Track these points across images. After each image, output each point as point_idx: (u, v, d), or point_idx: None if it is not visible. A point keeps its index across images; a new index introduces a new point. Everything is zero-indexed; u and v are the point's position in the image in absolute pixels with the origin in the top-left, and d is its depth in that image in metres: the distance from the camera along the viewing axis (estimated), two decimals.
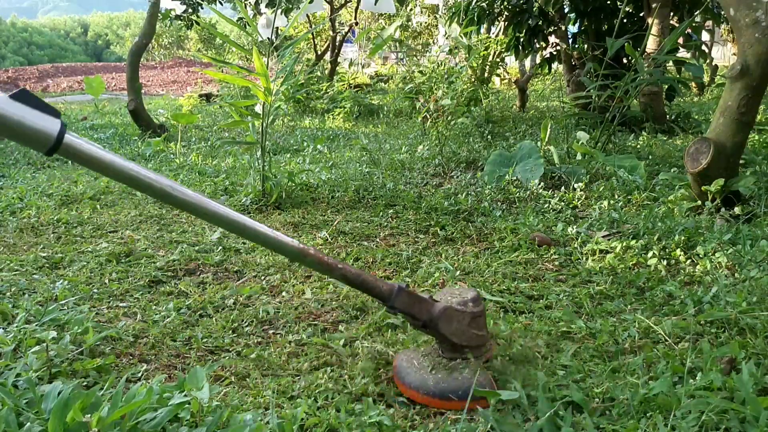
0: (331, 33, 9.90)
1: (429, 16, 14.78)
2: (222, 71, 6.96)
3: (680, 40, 4.81)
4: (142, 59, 6.17)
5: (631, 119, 5.06)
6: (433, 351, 1.38)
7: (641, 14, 5.42)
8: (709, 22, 7.77)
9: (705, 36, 9.42)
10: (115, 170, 1.06)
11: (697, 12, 5.01)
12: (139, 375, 1.41)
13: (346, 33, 10.79)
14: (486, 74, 6.93)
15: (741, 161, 2.70)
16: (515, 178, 3.34)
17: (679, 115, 5.48)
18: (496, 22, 6.82)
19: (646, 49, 4.57)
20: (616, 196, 2.97)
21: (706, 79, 9.17)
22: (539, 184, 3.19)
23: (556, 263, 2.17)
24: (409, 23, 13.63)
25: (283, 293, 1.91)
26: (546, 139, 3.87)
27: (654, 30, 4.56)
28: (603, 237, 2.37)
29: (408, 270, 2.11)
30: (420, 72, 6.24)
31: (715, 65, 10.13)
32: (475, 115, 5.22)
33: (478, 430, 1.16)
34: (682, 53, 7.17)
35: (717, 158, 2.50)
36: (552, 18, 5.96)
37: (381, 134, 5.84)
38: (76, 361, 1.40)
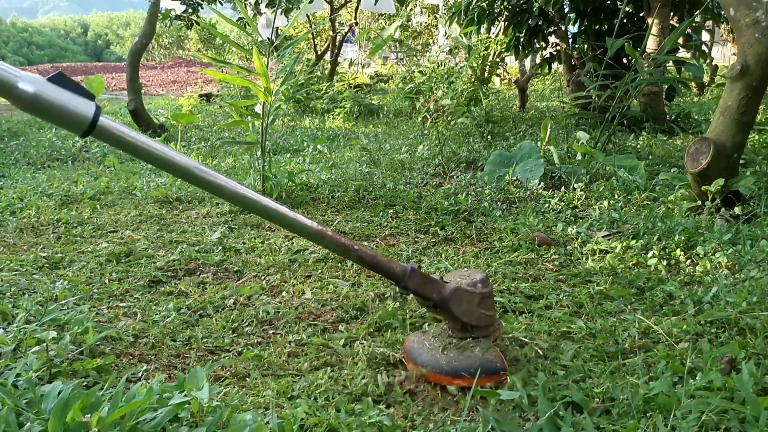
0: (331, 33, 9.90)
1: (429, 16, 14.78)
2: (222, 71, 6.96)
3: (680, 40, 4.81)
4: (142, 59, 6.18)
5: (631, 119, 5.06)
6: (442, 332, 1.42)
7: (641, 14, 5.42)
8: (709, 22, 7.77)
9: (705, 36, 9.42)
10: (145, 152, 1.09)
11: (697, 12, 5.01)
12: (139, 375, 1.41)
13: (346, 33, 10.79)
14: (486, 74, 6.94)
15: (741, 161, 2.71)
16: (515, 178, 3.34)
17: (679, 115, 5.48)
18: (496, 22, 6.82)
19: (646, 49, 4.57)
20: (616, 196, 2.97)
21: (706, 79, 9.18)
22: (539, 184, 3.19)
23: (556, 263, 2.17)
24: (409, 23, 13.63)
25: (283, 293, 1.91)
26: (546, 139, 3.87)
27: (654, 30, 4.56)
28: (603, 237, 2.37)
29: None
30: (420, 72, 6.24)
31: (715, 65, 10.13)
32: (475, 115, 5.22)
33: (478, 430, 1.16)
34: (682, 53, 7.17)
35: (717, 158, 2.50)
36: (552, 18, 5.96)
37: (381, 134, 5.85)
38: (76, 361, 1.40)
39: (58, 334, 1.51)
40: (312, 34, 10.77)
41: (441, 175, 3.71)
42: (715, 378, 1.25)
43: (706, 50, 6.64)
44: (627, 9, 5.33)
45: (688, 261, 2.12)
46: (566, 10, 6.06)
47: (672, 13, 5.25)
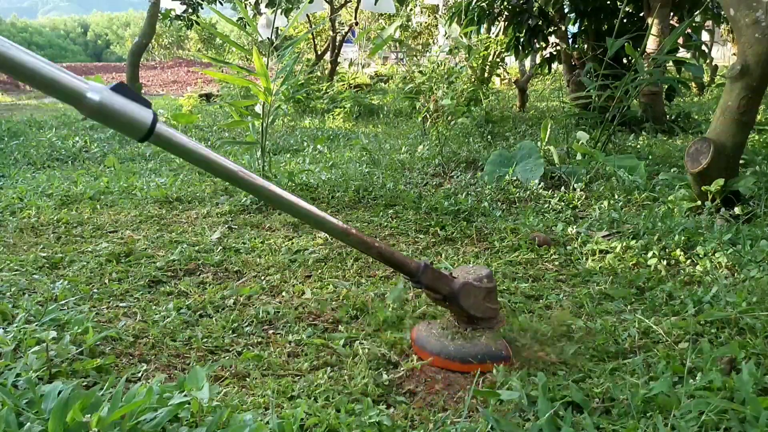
0: (331, 33, 9.90)
1: (429, 16, 14.77)
2: (222, 71, 6.95)
3: (680, 40, 4.81)
4: (142, 59, 6.18)
5: (631, 119, 5.06)
6: (449, 323, 1.53)
7: (641, 14, 5.42)
8: (709, 22, 7.77)
9: (705, 36, 9.42)
10: (196, 156, 1.18)
11: (697, 12, 5.01)
12: (139, 375, 1.41)
13: (346, 33, 10.79)
14: (486, 74, 6.94)
15: (741, 161, 2.70)
16: (515, 178, 3.34)
17: (679, 115, 5.48)
18: (496, 22, 6.82)
19: (646, 49, 4.57)
20: (616, 196, 2.97)
21: (706, 79, 9.18)
22: (539, 184, 3.19)
23: (556, 263, 2.17)
24: (409, 23, 13.63)
25: (283, 293, 1.91)
26: (546, 139, 3.87)
27: (654, 30, 4.56)
28: (603, 237, 2.37)
29: None
30: (420, 72, 6.24)
31: (715, 65, 10.13)
32: (475, 115, 5.21)
33: (478, 430, 1.16)
34: (682, 53, 7.17)
35: (717, 158, 2.50)
36: (552, 18, 5.96)
37: (381, 134, 5.85)
38: (76, 361, 1.40)
39: (58, 334, 1.51)
40: (312, 34, 10.77)
41: (441, 175, 3.71)
42: (715, 378, 1.25)
43: (706, 50, 6.64)
44: (627, 9, 5.33)
45: (688, 261, 2.12)
46: (566, 10, 6.06)
47: (672, 13, 5.25)
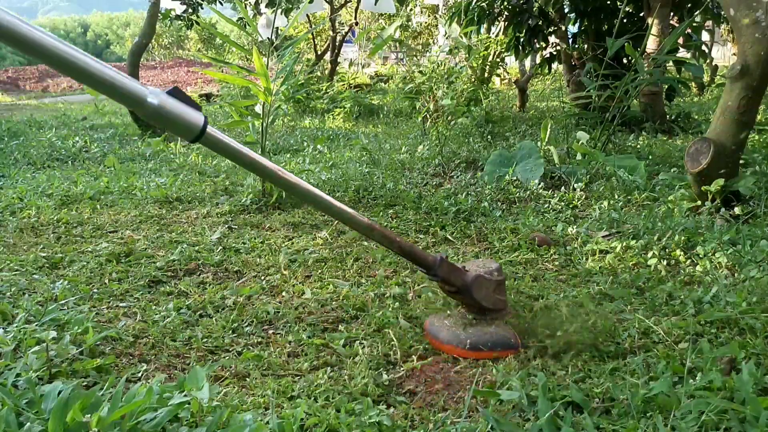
0: (331, 33, 9.90)
1: (429, 16, 14.77)
2: (222, 71, 6.95)
3: (680, 40, 4.81)
4: (142, 59, 6.17)
5: (631, 119, 5.05)
6: (460, 314, 1.61)
7: (641, 14, 5.42)
8: (709, 22, 7.77)
9: (705, 36, 9.41)
10: (242, 157, 1.27)
11: (697, 12, 5.01)
12: (139, 375, 1.41)
13: (346, 33, 10.78)
14: (486, 74, 6.93)
15: (741, 161, 2.70)
16: (515, 178, 3.34)
17: (679, 115, 5.48)
18: (496, 22, 6.81)
19: (646, 49, 4.56)
20: (616, 196, 2.97)
21: (706, 79, 9.17)
22: (539, 184, 3.19)
23: (556, 263, 2.17)
24: (409, 23, 13.63)
25: (283, 293, 1.91)
26: (546, 139, 3.86)
27: (654, 30, 4.56)
28: (603, 237, 2.37)
29: (408, 270, 2.11)
30: (420, 72, 6.23)
31: (715, 65, 10.12)
32: (475, 115, 5.21)
33: (478, 430, 1.16)
34: (682, 53, 7.17)
35: (717, 158, 2.50)
36: (552, 18, 5.96)
37: (381, 134, 5.84)
38: (76, 361, 1.40)
39: (58, 334, 1.51)
40: (312, 34, 10.77)
41: (441, 175, 3.71)
42: (715, 378, 1.25)
43: (706, 50, 6.64)
44: (627, 9, 5.33)
45: (688, 261, 2.12)
46: (566, 10, 6.06)
47: (672, 13, 5.25)
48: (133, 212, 2.86)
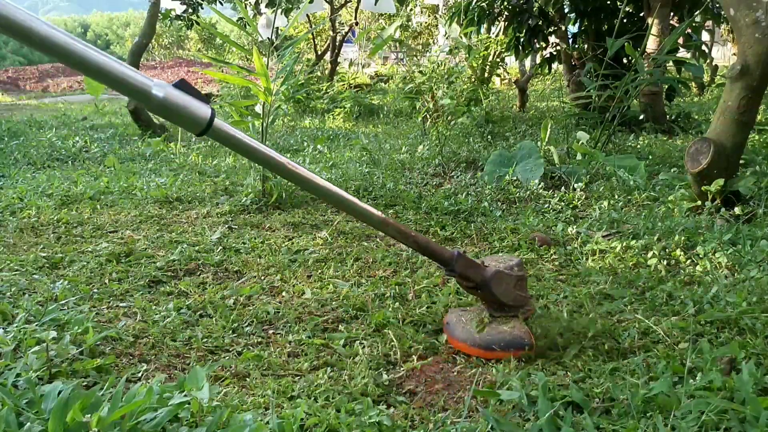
0: (331, 33, 9.90)
1: (429, 16, 14.77)
2: (222, 71, 6.95)
3: (680, 40, 4.81)
4: (142, 59, 6.17)
5: (631, 119, 5.06)
6: (477, 310, 1.58)
7: (641, 14, 5.42)
8: (709, 22, 7.77)
9: (705, 36, 9.41)
10: (250, 150, 1.24)
11: (697, 12, 5.01)
12: (139, 375, 1.41)
13: (346, 33, 10.78)
14: (486, 74, 6.93)
15: (741, 161, 2.70)
16: (515, 178, 3.34)
17: (679, 115, 5.48)
18: (496, 22, 6.81)
19: (646, 49, 4.56)
20: (616, 196, 2.97)
21: (706, 79, 9.17)
22: (539, 184, 3.19)
23: (556, 263, 2.17)
24: (409, 23, 13.62)
25: (283, 293, 1.91)
26: (546, 139, 3.86)
27: (654, 30, 4.56)
28: (603, 237, 2.37)
29: (408, 270, 2.11)
30: (420, 72, 6.23)
31: (715, 65, 10.12)
32: (475, 115, 5.21)
33: (478, 430, 1.16)
34: (682, 53, 7.17)
35: (717, 158, 2.50)
36: (552, 18, 5.96)
37: (381, 134, 5.84)
38: (76, 361, 1.40)
39: (58, 334, 1.51)
40: (312, 34, 10.77)
41: (441, 175, 3.71)
42: (715, 378, 1.25)
43: (706, 50, 6.64)
44: (627, 9, 5.33)
45: (688, 261, 2.11)
46: (566, 10, 6.06)
47: (672, 13, 5.25)
48: (133, 212, 2.86)
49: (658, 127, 5.11)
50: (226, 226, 2.65)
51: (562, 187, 3.22)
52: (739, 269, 1.99)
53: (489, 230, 2.57)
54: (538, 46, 6.30)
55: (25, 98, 11.84)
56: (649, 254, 2.16)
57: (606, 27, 5.70)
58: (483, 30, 7.10)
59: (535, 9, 5.99)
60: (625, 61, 5.07)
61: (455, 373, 1.43)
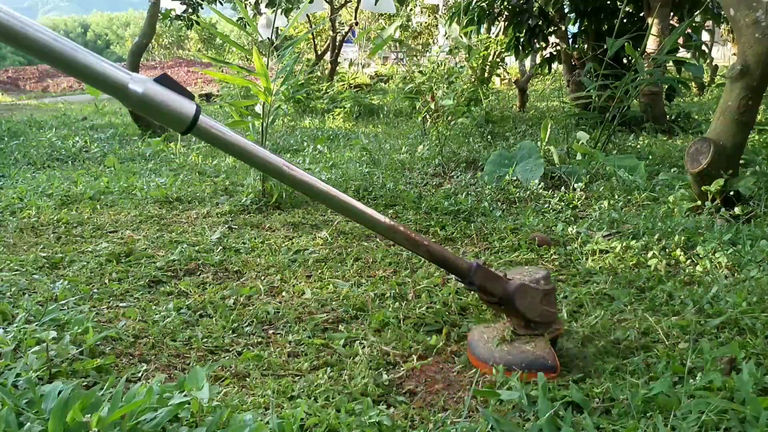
0: (331, 33, 9.90)
1: (429, 16, 14.77)
2: (222, 71, 6.95)
3: (680, 40, 4.81)
4: (142, 59, 6.17)
5: (631, 119, 5.06)
6: (501, 327, 1.47)
7: (641, 14, 5.42)
8: (709, 22, 7.77)
9: (705, 36, 9.41)
10: (237, 149, 1.16)
11: (697, 12, 5.01)
12: (139, 375, 1.41)
13: (346, 33, 10.78)
14: (486, 74, 6.93)
15: (741, 161, 2.70)
16: (515, 178, 3.34)
17: (679, 115, 5.48)
18: (496, 22, 6.82)
19: (646, 49, 4.57)
20: (616, 196, 2.97)
21: (706, 79, 9.17)
22: (539, 184, 3.19)
23: (556, 263, 2.17)
24: (409, 23, 13.62)
25: (283, 293, 1.91)
26: (546, 139, 3.86)
27: (654, 30, 4.56)
28: (603, 237, 2.37)
29: (408, 270, 2.11)
30: (420, 72, 6.24)
31: (715, 65, 10.12)
32: (475, 115, 5.21)
33: (478, 430, 1.16)
34: (682, 53, 7.17)
35: (717, 158, 2.50)
36: (552, 18, 5.96)
37: (381, 134, 5.84)
38: (76, 361, 1.40)
39: (58, 334, 1.51)
40: (312, 34, 10.77)
41: (441, 175, 3.71)
42: (715, 378, 1.25)
43: (706, 50, 6.64)
44: (627, 9, 5.33)
45: (688, 261, 2.11)
46: (566, 10, 6.06)
47: (672, 13, 5.25)
48: (133, 212, 2.86)
49: (658, 127, 5.11)
50: (226, 226, 2.65)
51: (562, 187, 3.22)
52: (739, 269, 1.99)
53: (489, 230, 2.57)
54: (538, 46, 6.30)
55: (25, 98, 11.84)
56: (649, 254, 2.16)
57: (606, 27, 5.70)
58: (483, 30, 7.10)
59: (535, 9, 5.99)
60: (625, 61, 5.07)
61: (455, 373, 1.42)
